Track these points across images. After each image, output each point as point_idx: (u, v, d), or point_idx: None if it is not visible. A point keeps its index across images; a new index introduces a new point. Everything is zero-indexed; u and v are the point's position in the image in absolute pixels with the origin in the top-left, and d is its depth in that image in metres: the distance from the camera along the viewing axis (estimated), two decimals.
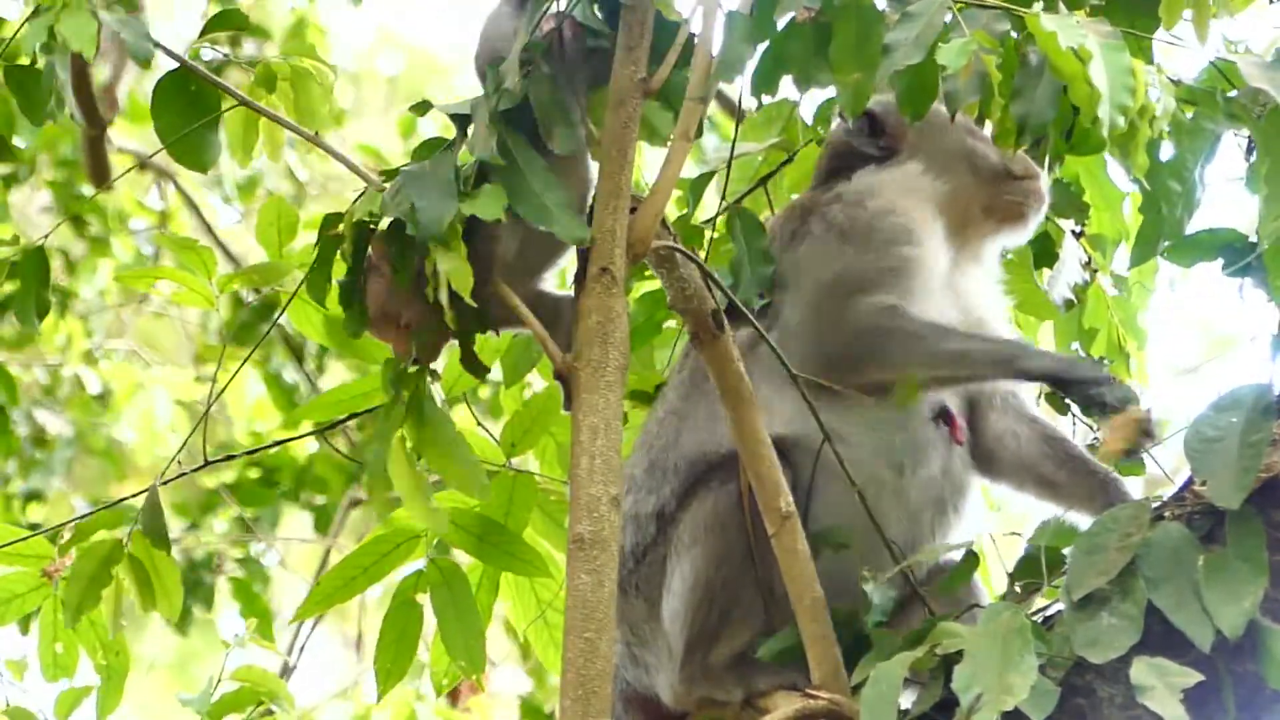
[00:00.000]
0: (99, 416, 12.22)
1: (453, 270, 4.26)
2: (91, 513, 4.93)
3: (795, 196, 5.10)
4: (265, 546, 11.94)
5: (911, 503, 4.69)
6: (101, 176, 11.59)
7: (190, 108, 4.77)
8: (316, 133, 4.69)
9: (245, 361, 5.16)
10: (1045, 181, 5.02)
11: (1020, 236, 5.06)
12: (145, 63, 4.59)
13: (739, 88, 4.60)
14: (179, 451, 5.14)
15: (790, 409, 4.58)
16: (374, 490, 4.50)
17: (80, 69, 10.49)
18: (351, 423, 5.33)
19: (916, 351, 4.60)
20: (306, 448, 11.96)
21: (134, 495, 4.95)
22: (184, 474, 5.30)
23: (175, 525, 12.05)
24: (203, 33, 4.86)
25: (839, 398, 4.56)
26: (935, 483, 4.71)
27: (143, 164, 11.98)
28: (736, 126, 5.23)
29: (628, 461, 4.78)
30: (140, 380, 12.27)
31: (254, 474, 11.99)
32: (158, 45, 4.71)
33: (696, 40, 4.48)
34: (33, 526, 5.32)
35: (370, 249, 4.53)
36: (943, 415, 4.73)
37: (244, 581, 11.50)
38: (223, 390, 5.11)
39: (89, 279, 12.26)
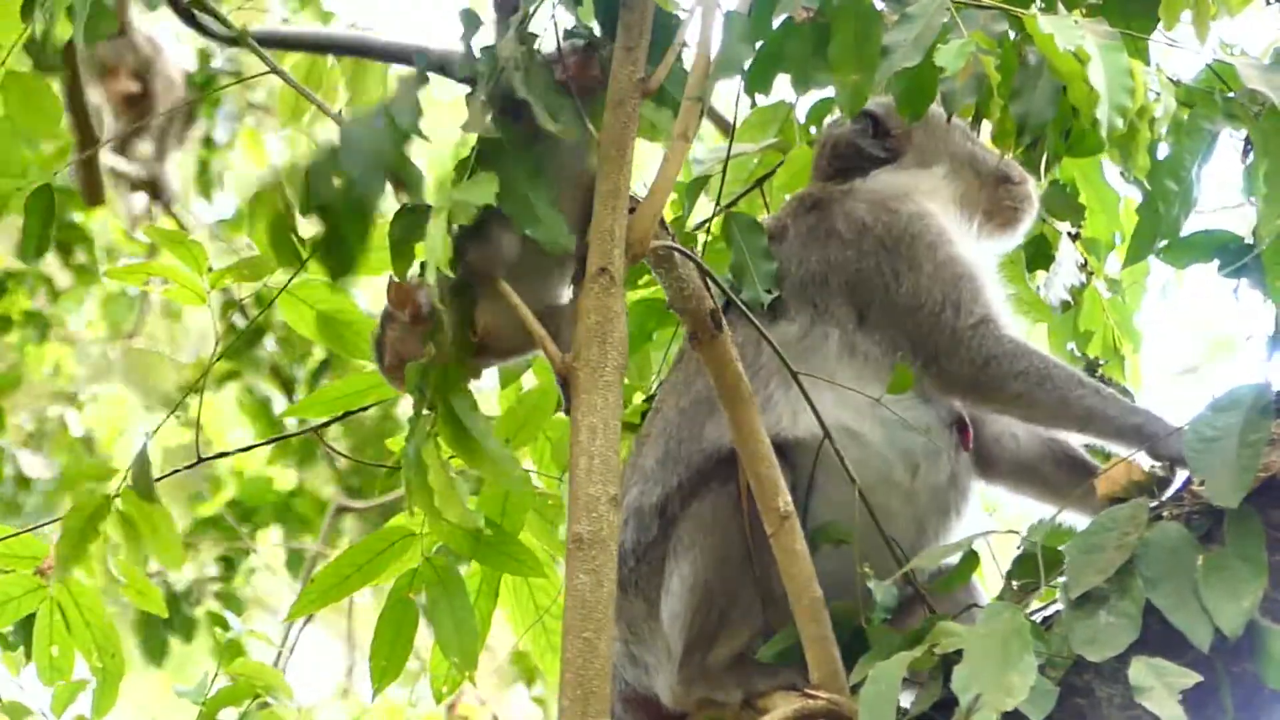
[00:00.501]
0: (83, 459, 12.12)
1: (432, 244, 4.24)
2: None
3: (796, 192, 5.09)
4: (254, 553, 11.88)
5: (920, 506, 4.71)
6: (94, 195, 11.59)
7: None
8: (340, 111, 4.66)
9: (224, 352, 5.12)
10: (1034, 185, 5.06)
11: (1013, 240, 5.10)
12: (152, 6, 4.56)
13: (731, 95, 4.61)
14: (157, 429, 5.11)
15: (827, 404, 4.61)
16: (413, 487, 4.48)
17: (74, 86, 10.49)
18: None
19: (1044, 396, 4.61)
20: (288, 481, 11.93)
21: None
22: (175, 471, 5.30)
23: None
24: None
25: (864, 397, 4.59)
26: (943, 488, 4.73)
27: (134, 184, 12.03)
28: (732, 130, 5.22)
29: (640, 450, 4.79)
30: (126, 425, 12.19)
31: (234, 512, 11.91)
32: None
33: (694, 40, 4.47)
34: None
35: (387, 298, 4.60)
36: (958, 423, 4.75)
37: (217, 615, 11.42)
38: (204, 377, 5.07)
39: (75, 309, 12.20)
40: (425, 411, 4.39)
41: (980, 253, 4.91)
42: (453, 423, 4.41)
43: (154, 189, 12.71)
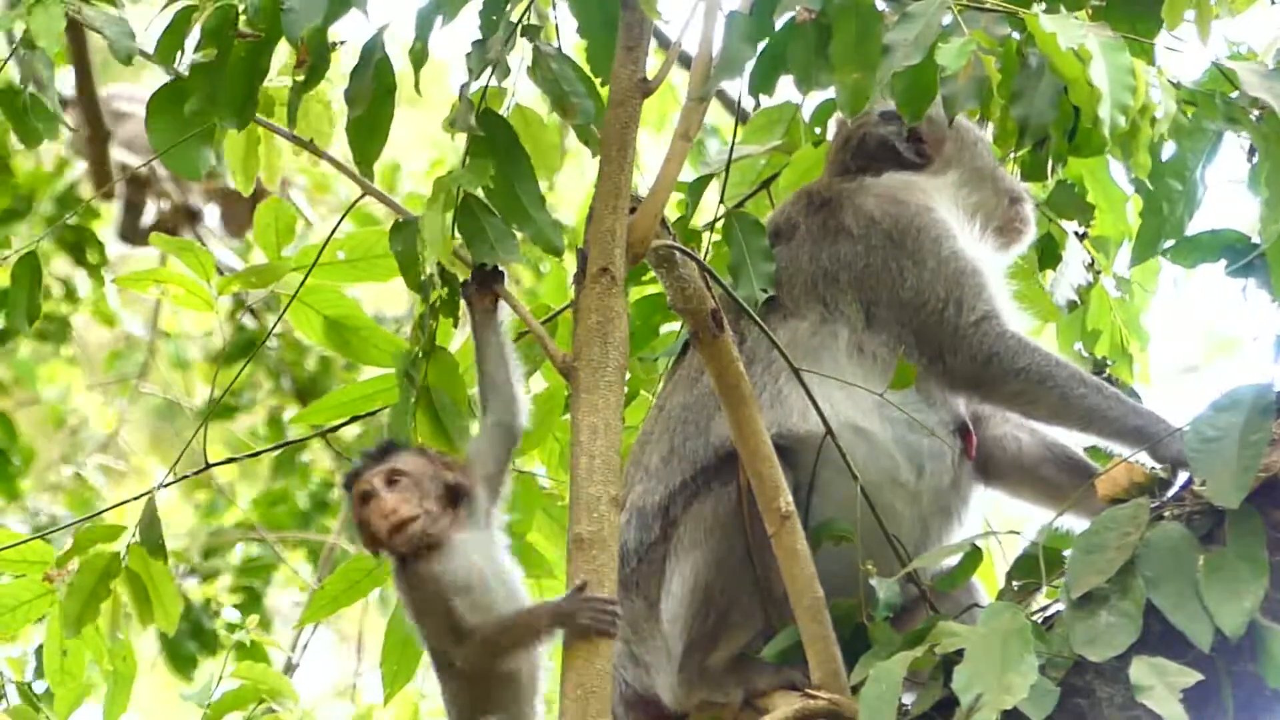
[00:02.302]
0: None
1: (430, 232, 4.28)
2: (90, 516, 4.94)
3: (804, 187, 5.10)
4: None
5: (924, 507, 4.71)
6: (103, 189, 11.60)
7: (185, 118, 4.71)
8: (312, 140, 4.67)
9: (247, 363, 5.14)
10: (1032, 205, 5.11)
11: (1011, 256, 5.11)
12: (126, 60, 4.56)
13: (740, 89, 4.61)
14: (178, 460, 5.13)
15: (836, 401, 4.63)
16: None
17: (84, 80, 10.50)
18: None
19: (1044, 395, 4.65)
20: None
21: (135, 498, 4.95)
22: (184, 477, 5.30)
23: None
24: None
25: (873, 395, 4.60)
26: (947, 490, 4.73)
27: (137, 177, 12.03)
28: (735, 130, 5.21)
29: (644, 449, 4.80)
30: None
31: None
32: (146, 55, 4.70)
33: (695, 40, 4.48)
34: None
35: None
36: (962, 429, 4.75)
37: (237, 625, 11.38)
38: (227, 390, 5.09)
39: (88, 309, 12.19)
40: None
41: (984, 251, 4.92)
42: (431, 415, 4.43)
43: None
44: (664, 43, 4.53)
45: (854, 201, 4.87)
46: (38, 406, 12.48)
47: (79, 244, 11.68)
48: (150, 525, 4.82)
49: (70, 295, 11.99)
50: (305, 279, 4.88)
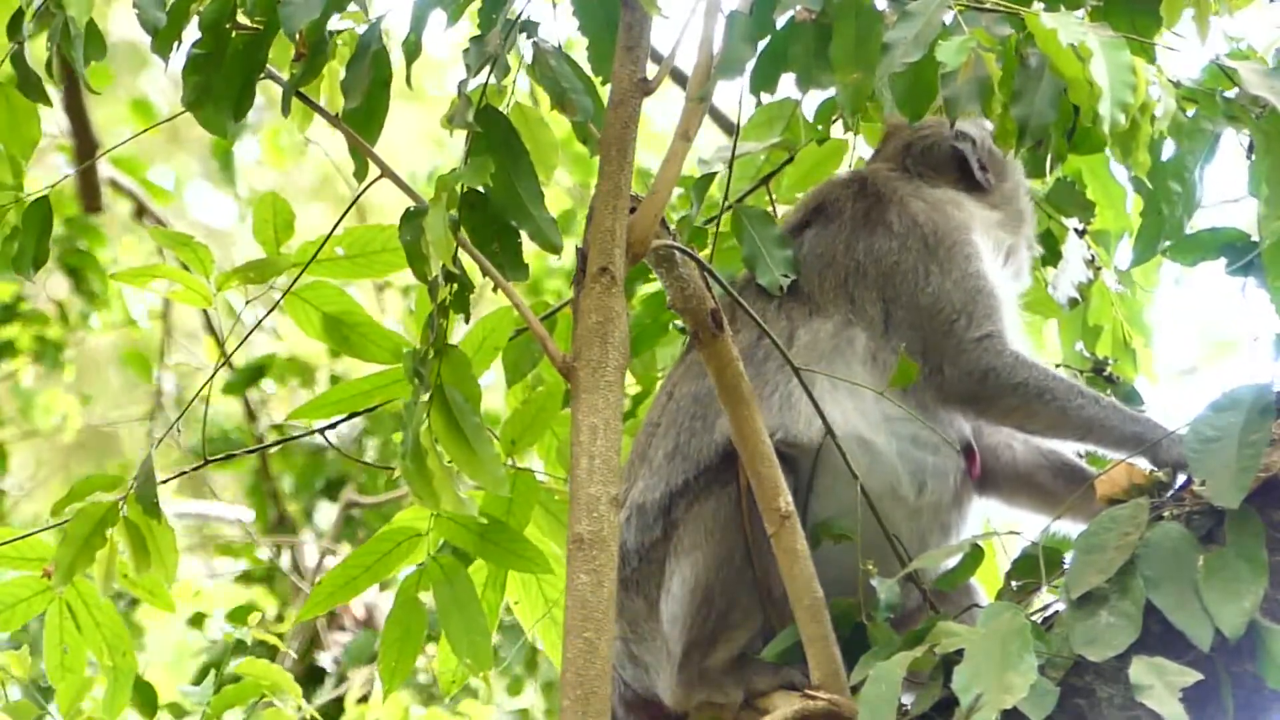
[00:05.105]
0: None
1: (434, 234, 4.28)
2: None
3: (856, 170, 5.12)
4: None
5: (923, 523, 4.73)
6: (93, 202, 11.63)
7: (221, 74, 4.67)
8: (338, 115, 4.66)
9: (233, 353, 5.11)
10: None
11: None
12: (152, 30, 4.55)
13: (731, 93, 4.61)
14: (172, 427, 5.12)
15: (846, 410, 4.65)
16: (410, 475, 4.48)
17: (72, 94, 10.50)
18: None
19: (1042, 408, 4.67)
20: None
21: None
22: (183, 473, 5.30)
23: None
24: None
25: (881, 406, 4.62)
26: (947, 507, 4.76)
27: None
28: (736, 129, 5.21)
29: (650, 441, 4.80)
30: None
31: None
32: None
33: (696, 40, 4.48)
34: None
35: None
36: (966, 449, 4.77)
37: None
38: (211, 379, 5.07)
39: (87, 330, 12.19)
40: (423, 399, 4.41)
41: (1006, 282, 4.95)
42: (445, 413, 4.42)
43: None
44: (657, 59, 4.52)
45: (903, 201, 4.92)
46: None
47: (79, 270, 11.68)
48: (146, 482, 4.79)
49: (65, 318, 11.99)
50: (299, 275, 4.89)
